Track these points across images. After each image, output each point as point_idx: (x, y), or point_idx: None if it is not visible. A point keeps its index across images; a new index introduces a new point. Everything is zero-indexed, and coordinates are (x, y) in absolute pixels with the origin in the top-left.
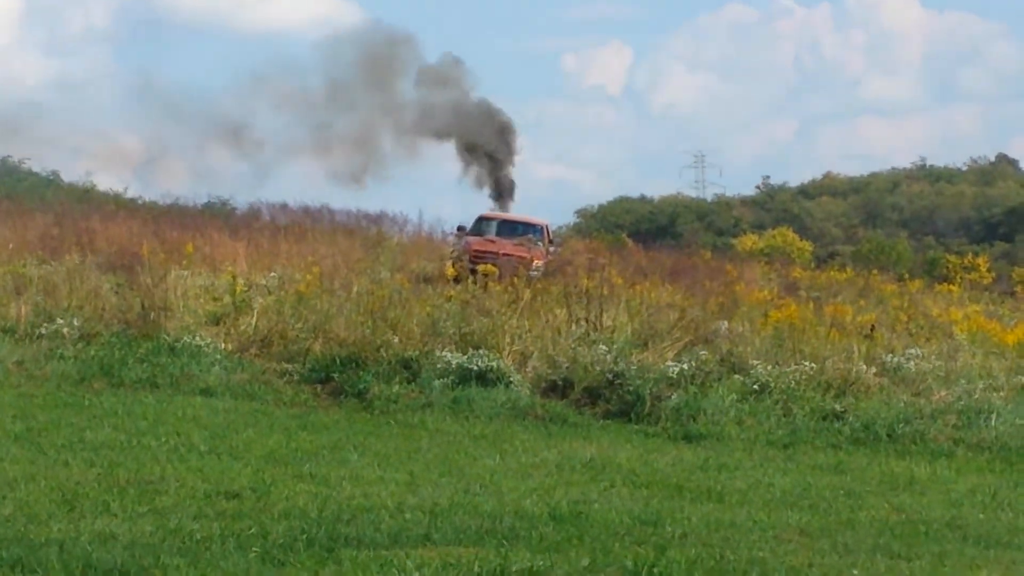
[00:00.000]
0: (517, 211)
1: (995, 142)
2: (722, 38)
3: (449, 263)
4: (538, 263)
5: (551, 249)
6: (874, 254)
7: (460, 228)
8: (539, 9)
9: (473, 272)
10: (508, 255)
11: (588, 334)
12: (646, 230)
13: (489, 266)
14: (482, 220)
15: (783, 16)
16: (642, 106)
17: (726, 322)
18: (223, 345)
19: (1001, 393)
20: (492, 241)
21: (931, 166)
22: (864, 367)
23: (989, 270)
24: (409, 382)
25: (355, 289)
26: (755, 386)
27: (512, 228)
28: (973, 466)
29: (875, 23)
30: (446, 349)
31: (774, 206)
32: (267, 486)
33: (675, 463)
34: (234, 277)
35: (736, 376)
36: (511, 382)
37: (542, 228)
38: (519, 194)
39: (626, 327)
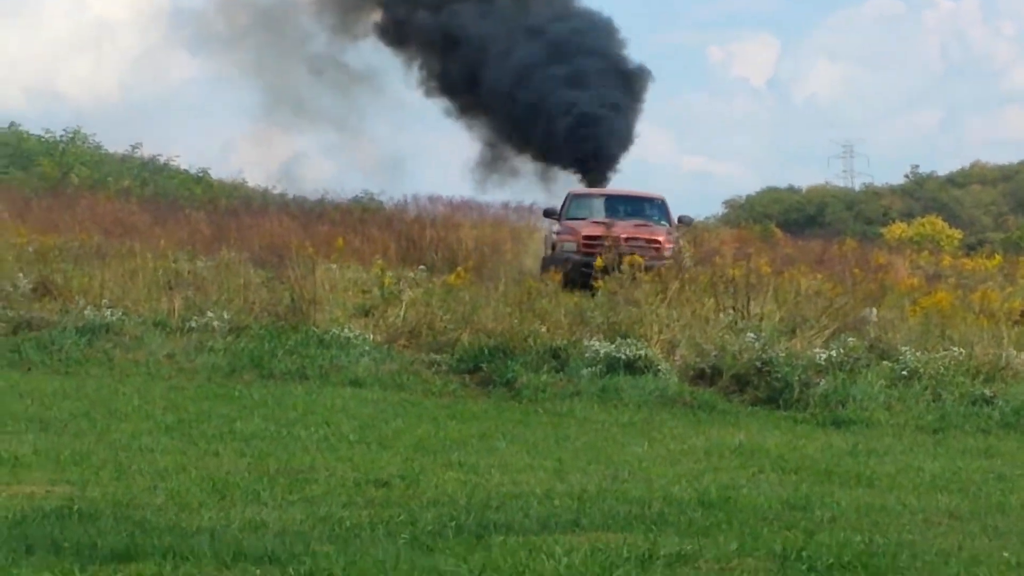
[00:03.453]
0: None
1: None
2: (867, 30)
3: (545, 262)
4: (668, 247)
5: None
6: None
7: (548, 212)
8: (683, 2)
9: (586, 270)
10: (633, 239)
11: (736, 322)
12: (794, 220)
13: (600, 259)
14: (579, 198)
15: (929, 7)
16: (787, 97)
17: (874, 309)
18: (372, 336)
19: None
20: (606, 223)
21: None
22: (1014, 352)
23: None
24: (557, 371)
25: (503, 280)
26: (904, 372)
27: (625, 205)
28: None
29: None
30: (594, 338)
31: (923, 195)
32: (416, 474)
33: (824, 449)
34: (383, 270)
35: (884, 362)
36: (659, 370)
37: (661, 203)
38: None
39: (774, 315)
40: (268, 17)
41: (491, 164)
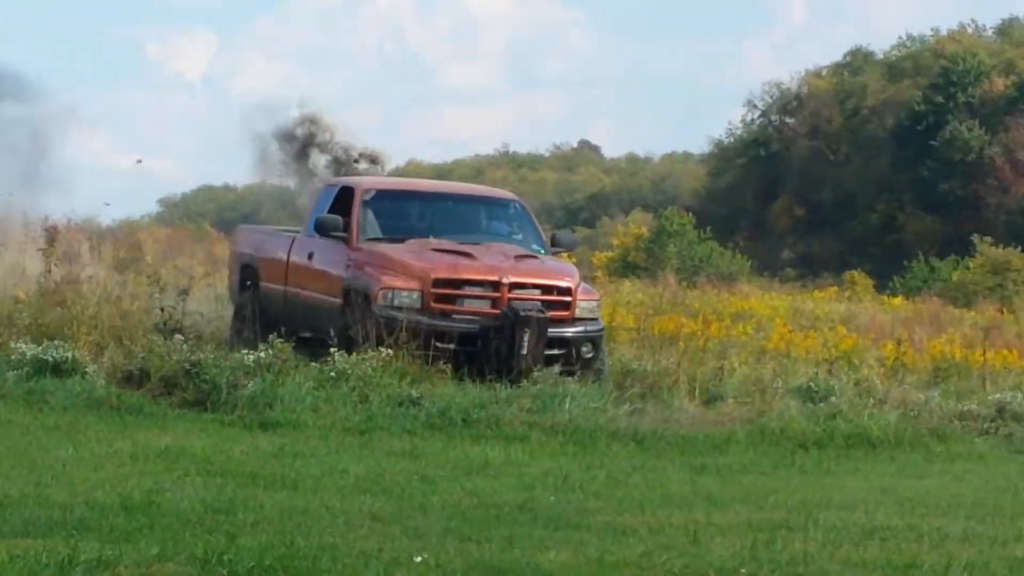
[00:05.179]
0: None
1: (577, 129)
2: (305, 26)
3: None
4: (590, 303)
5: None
6: None
7: (322, 226)
8: None
9: (443, 345)
10: (521, 286)
11: (165, 323)
12: (229, 218)
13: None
14: (377, 198)
15: (367, 4)
16: (224, 93)
17: None
18: None
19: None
20: (466, 254)
21: (514, 152)
22: None
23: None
24: None
25: None
26: (332, 373)
27: (459, 212)
28: (547, 449)
29: (459, 10)
30: (21, 340)
31: None
32: None
33: (250, 451)
34: None
35: (313, 364)
36: (87, 372)
37: (521, 209)
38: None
39: (206, 319)
40: None
41: None
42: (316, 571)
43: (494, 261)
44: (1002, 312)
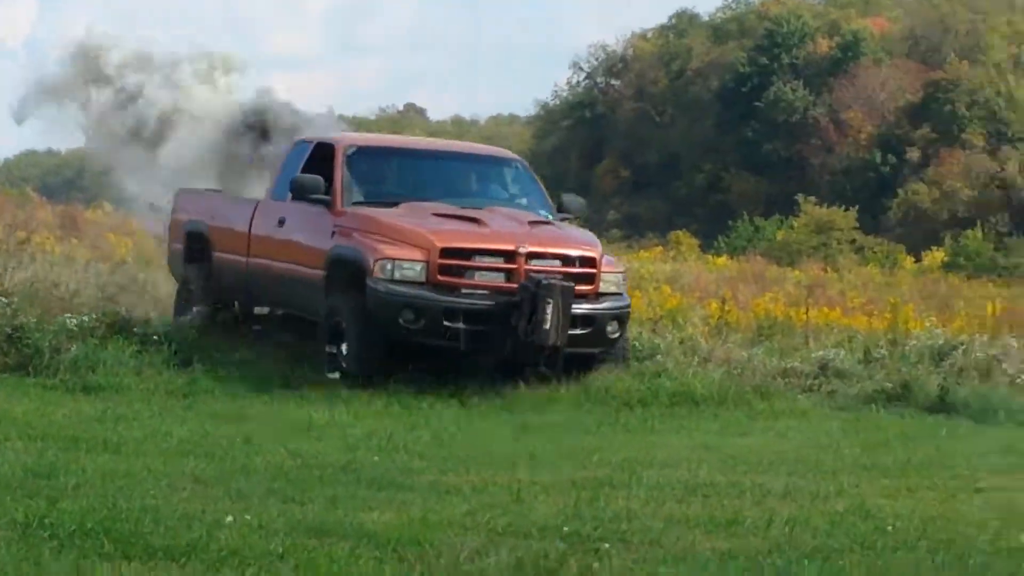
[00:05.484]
0: None
1: (402, 92)
2: None
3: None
4: (615, 276)
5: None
6: None
7: (300, 188)
8: None
9: (451, 325)
10: (544, 255)
11: None
12: (53, 183)
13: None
14: (358, 154)
15: None
16: (47, 57)
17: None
18: None
19: None
20: (474, 220)
21: (340, 115)
22: None
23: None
24: None
25: None
26: (155, 337)
27: (460, 174)
28: (371, 410)
29: None
30: None
31: None
32: None
33: (72, 415)
34: None
35: (136, 328)
36: None
37: (523, 169)
38: None
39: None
40: None
41: None
42: (138, 533)
43: (508, 228)
44: (826, 271)
